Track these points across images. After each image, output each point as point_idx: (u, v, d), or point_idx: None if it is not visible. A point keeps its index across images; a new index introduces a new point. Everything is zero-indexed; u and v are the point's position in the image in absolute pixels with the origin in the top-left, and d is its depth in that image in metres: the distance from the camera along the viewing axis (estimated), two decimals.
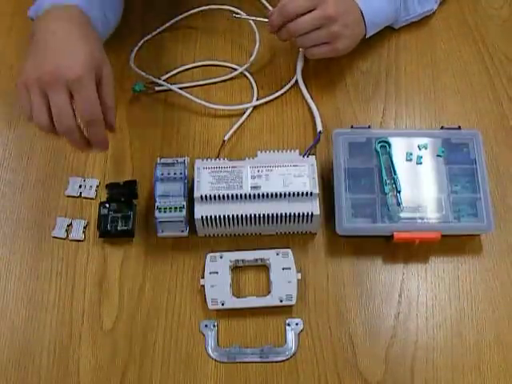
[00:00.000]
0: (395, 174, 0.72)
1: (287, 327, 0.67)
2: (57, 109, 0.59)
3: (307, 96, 0.82)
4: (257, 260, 0.70)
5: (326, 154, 0.78)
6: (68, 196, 0.75)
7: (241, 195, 0.69)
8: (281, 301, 0.67)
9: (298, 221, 0.69)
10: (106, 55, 0.65)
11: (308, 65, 0.85)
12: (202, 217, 0.68)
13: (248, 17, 0.83)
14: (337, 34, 0.76)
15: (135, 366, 0.66)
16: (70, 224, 0.73)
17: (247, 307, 0.68)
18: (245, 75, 0.85)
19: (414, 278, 0.70)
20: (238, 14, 0.84)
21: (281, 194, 0.69)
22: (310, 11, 0.74)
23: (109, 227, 0.71)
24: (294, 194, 0.68)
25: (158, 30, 0.89)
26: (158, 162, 0.72)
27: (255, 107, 0.82)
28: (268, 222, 0.69)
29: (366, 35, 0.82)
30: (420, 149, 0.74)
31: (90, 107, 0.60)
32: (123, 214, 0.72)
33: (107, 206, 0.72)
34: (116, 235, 0.72)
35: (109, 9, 0.75)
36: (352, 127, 0.76)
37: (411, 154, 0.74)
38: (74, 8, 0.65)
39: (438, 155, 0.74)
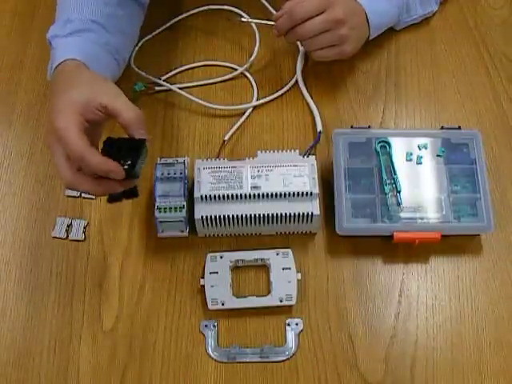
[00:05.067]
0: (395, 174, 0.72)
1: (287, 327, 0.67)
2: (56, 166, 0.59)
3: (307, 96, 0.82)
4: (257, 260, 0.70)
5: (326, 154, 0.78)
6: (68, 196, 0.75)
7: (241, 195, 0.69)
8: (281, 301, 0.67)
9: (298, 221, 0.69)
10: (101, 83, 0.63)
11: (308, 65, 0.85)
12: (201, 217, 0.68)
13: (255, 20, 0.83)
14: (345, 37, 0.76)
15: (135, 366, 0.66)
16: (70, 224, 0.73)
17: (247, 307, 0.68)
18: (245, 75, 0.85)
19: (414, 278, 0.70)
20: (243, 17, 0.83)
21: (281, 194, 0.69)
22: (317, 14, 0.74)
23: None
24: (293, 193, 0.69)
25: (158, 30, 0.89)
26: (158, 162, 0.72)
27: (255, 107, 0.82)
28: (268, 222, 0.69)
29: (369, 37, 0.82)
30: (420, 149, 0.74)
31: (67, 147, 0.57)
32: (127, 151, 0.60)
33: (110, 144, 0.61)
34: None
35: (122, 49, 0.76)
36: (352, 127, 0.76)
37: (411, 154, 0.74)
38: (64, 65, 0.66)
39: (437, 155, 0.74)
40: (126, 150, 0.59)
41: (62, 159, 0.58)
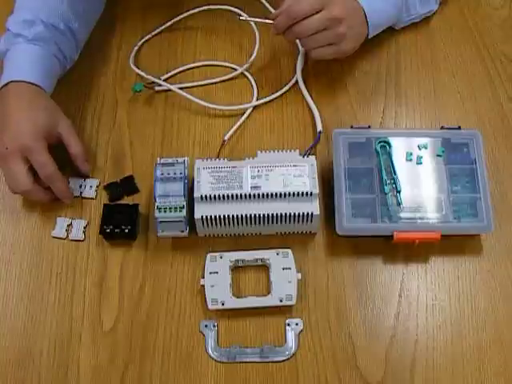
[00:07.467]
0: (395, 174, 0.72)
1: (287, 327, 0.67)
2: (12, 174, 0.70)
3: (307, 96, 0.82)
4: (257, 260, 0.70)
5: (326, 154, 0.78)
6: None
7: (241, 195, 0.69)
8: (281, 301, 0.67)
9: (298, 221, 0.69)
10: (58, 113, 0.74)
11: (308, 65, 0.85)
12: (202, 217, 0.68)
13: (253, 19, 0.83)
14: (343, 36, 0.76)
15: (135, 366, 0.66)
16: (70, 224, 0.73)
17: (247, 307, 0.68)
18: (245, 75, 0.85)
19: (414, 278, 0.70)
20: (241, 15, 0.83)
21: (281, 194, 0.69)
22: (316, 12, 0.74)
23: (109, 229, 0.70)
24: (293, 193, 0.68)
25: (158, 30, 0.89)
26: (158, 162, 0.72)
27: (255, 107, 0.82)
28: (268, 222, 0.69)
29: (368, 36, 0.82)
30: (420, 149, 0.74)
31: (41, 168, 0.69)
32: (125, 216, 0.71)
33: (111, 207, 0.72)
34: (117, 237, 0.71)
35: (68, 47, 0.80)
36: (352, 127, 0.76)
37: (411, 154, 0.74)
38: (25, 85, 0.72)
39: (437, 155, 0.74)
40: (124, 215, 0.71)
41: (24, 171, 0.69)
